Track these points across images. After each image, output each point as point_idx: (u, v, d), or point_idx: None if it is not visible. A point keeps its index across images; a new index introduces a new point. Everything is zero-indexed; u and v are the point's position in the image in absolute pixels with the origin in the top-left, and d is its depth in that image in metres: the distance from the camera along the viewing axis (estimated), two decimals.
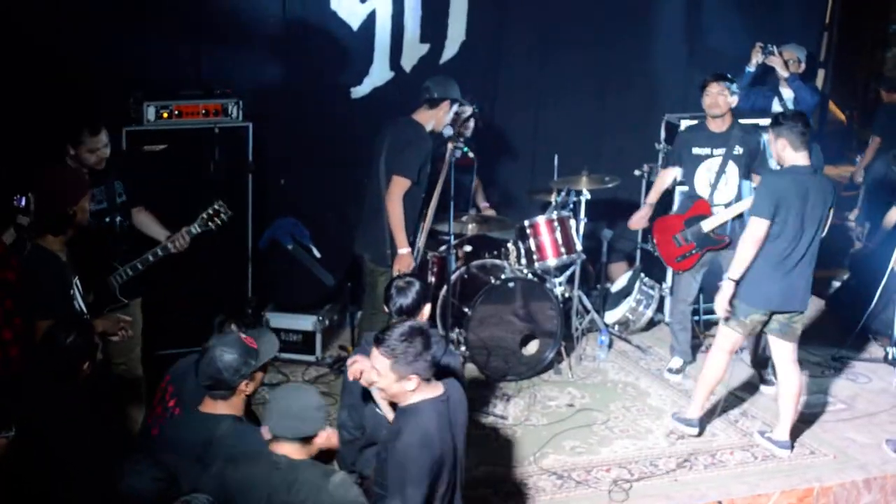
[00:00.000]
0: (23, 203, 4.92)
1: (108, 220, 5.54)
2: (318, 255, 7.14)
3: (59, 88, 6.27)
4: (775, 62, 7.78)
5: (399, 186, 6.09)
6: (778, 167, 5.87)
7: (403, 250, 6.15)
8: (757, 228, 5.61)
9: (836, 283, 8.20)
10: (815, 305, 8.26)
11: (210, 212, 5.51)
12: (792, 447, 5.96)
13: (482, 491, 5.37)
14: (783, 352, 5.86)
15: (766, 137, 6.40)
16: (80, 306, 4.88)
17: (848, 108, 10.38)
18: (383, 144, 6.22)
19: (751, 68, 7.84)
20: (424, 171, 6.19)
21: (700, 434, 6.06)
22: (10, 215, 4.98)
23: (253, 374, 4.03)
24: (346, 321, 7.31)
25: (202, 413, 4.02)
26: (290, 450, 3.73)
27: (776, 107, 7.91)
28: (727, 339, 5.88)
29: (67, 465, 3.94)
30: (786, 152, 5.66)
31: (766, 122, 7.47)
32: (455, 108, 6.35)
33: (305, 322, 6.95)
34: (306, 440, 3.77)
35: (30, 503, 3.93)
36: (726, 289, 5.72)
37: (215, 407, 4.01)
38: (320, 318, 6.96)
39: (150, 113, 6.38)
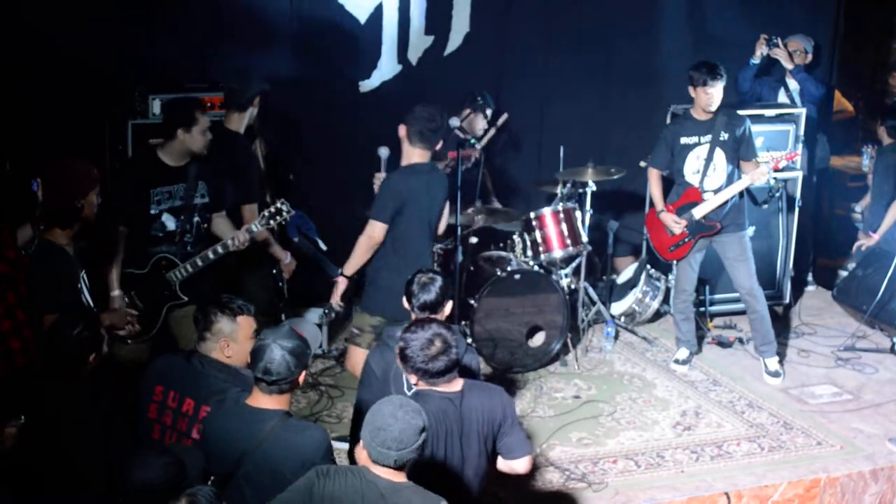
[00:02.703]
0: (35, 187, 4.80)
1: (182, 218, 5.41)
2: (324, 247, 7.13)
3: (61, 85, 6.27)
4: (780, 55, 7.75)
5: (253, 213, 5.84)
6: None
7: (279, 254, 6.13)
8: (377, 231, 5.42)
9: (843, 273, 8.19)
10: (821, 296, 8.27)
11: (272, 210, 5.37)
12: None
13: (489, 484, 5.36)
14: None
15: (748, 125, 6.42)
16: (87, 300, 4.89)
17: (854, 98, 10.33)
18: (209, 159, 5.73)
19: (755, 60, 7.82)
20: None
21: None
22: (28, 206, 4.88)
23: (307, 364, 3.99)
24: (352, 314, 7.29)
25: (252, 408, 3.91)
26: (387, 471, 3.54)
27: (782, 98, 7.90)
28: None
29: (71, 459, 3.94)
30: (404, 145, 5.51)
31: (768, 112, 7.51)
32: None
33: (311, 315, 6.95)
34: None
35: (34, 495, 3.94)
36: None
37: (267, 402, 3.90)
38: (326, 310, 6.96)
39: (156, 106, 6.36)
